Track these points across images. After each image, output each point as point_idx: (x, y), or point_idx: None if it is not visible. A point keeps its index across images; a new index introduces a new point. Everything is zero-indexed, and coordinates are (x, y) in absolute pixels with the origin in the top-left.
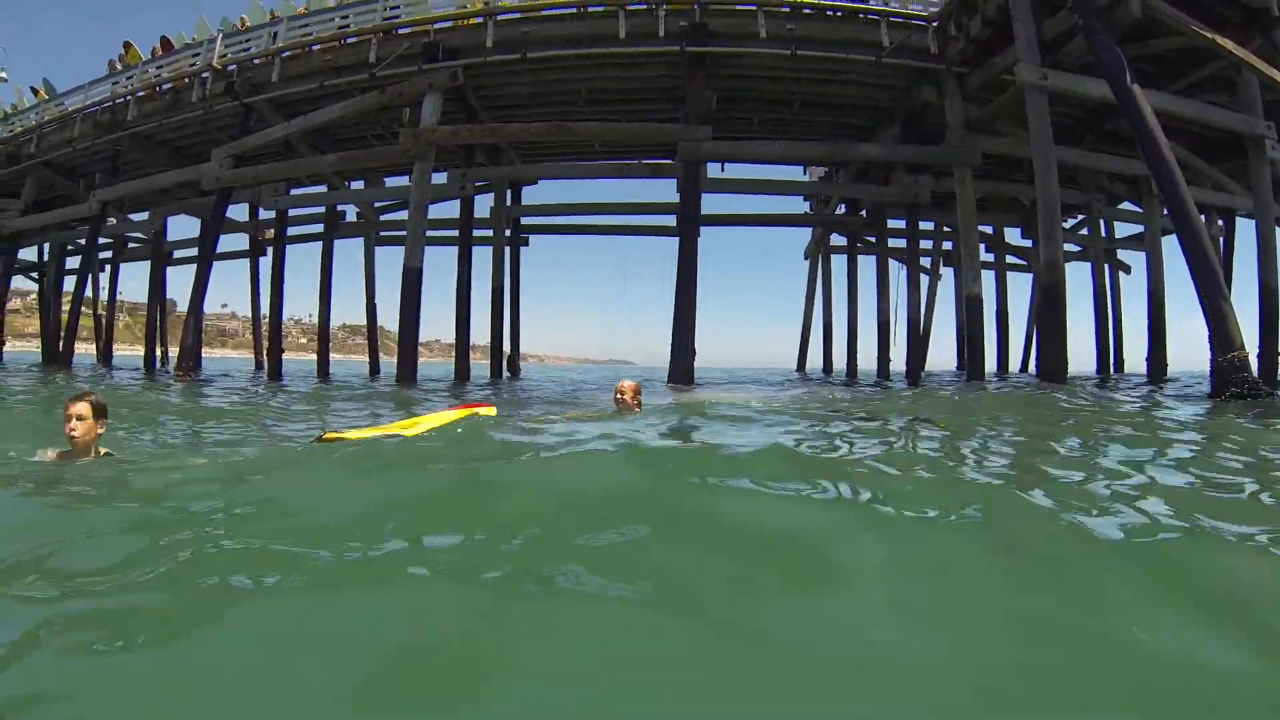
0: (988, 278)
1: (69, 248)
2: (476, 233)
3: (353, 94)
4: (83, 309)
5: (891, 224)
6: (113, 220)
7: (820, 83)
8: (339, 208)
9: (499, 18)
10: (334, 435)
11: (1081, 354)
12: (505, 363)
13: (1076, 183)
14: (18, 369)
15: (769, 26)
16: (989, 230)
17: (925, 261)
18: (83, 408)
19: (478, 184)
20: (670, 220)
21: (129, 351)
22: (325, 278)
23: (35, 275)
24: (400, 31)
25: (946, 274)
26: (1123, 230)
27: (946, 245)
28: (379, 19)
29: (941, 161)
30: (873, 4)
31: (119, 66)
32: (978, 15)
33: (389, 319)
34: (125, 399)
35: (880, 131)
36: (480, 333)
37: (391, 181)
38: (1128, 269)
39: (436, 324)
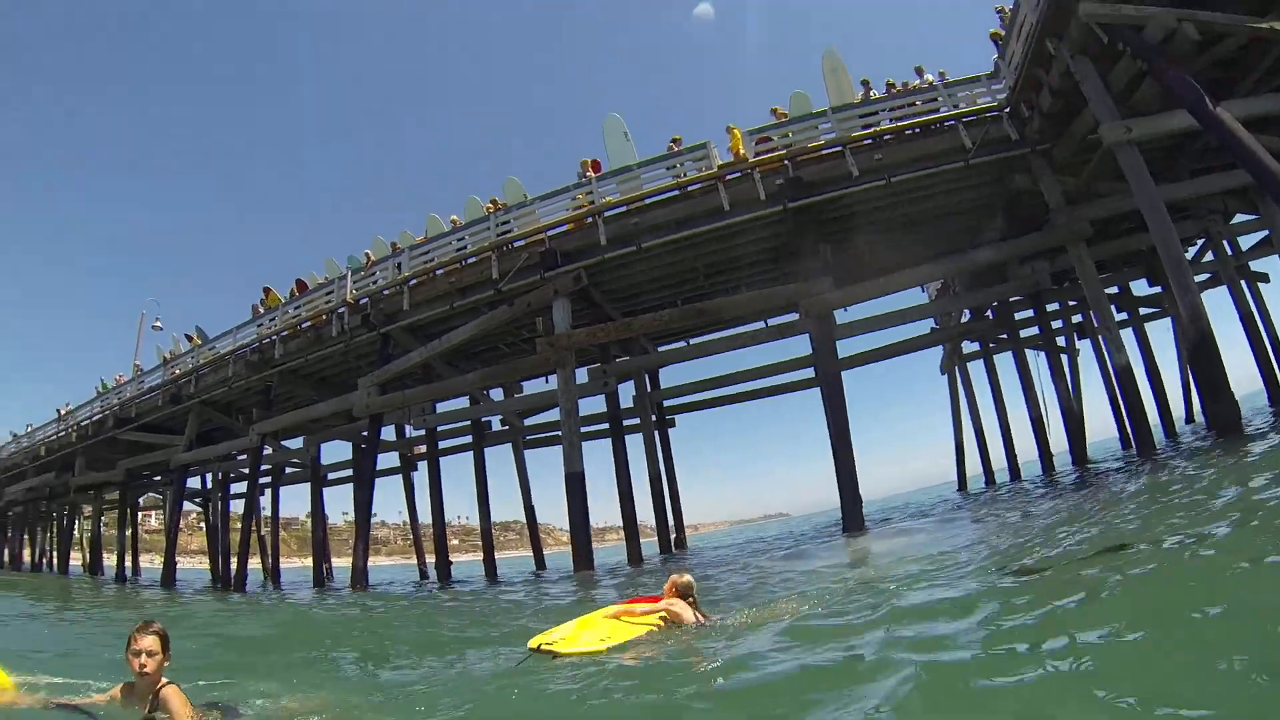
0: (1126, 337)
1: (230, 475)
2: (623, 421)
3: (480, 310)
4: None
5: (1018, 315)
6: (269, 449)
7: (917, 200)
8: (484, 419)
9: (606, 215)
10: (546, 645)
11: (1238, 373)
12: (672, 540)
13: (1187, 211)
14: (193, 590)
15: (858, 162)
16: (1115, 290)
17: (1060, 339)
18: (151, 642)
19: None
20: (803, 374)
21: (288, 564)
22: (481, 485)
23: (199, 500)
24: (516, 245)
25: (1083, 346)
26: (1246, 239)
27: (1076, 318)
28: (493, 236)
29: (1054, 244)
30: (942, 110)
31: (261, 310)
32: (1044, 88)
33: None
34: (339, 622)
35: (984, 228)
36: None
37: (529, 386)
38: (1265, 278)
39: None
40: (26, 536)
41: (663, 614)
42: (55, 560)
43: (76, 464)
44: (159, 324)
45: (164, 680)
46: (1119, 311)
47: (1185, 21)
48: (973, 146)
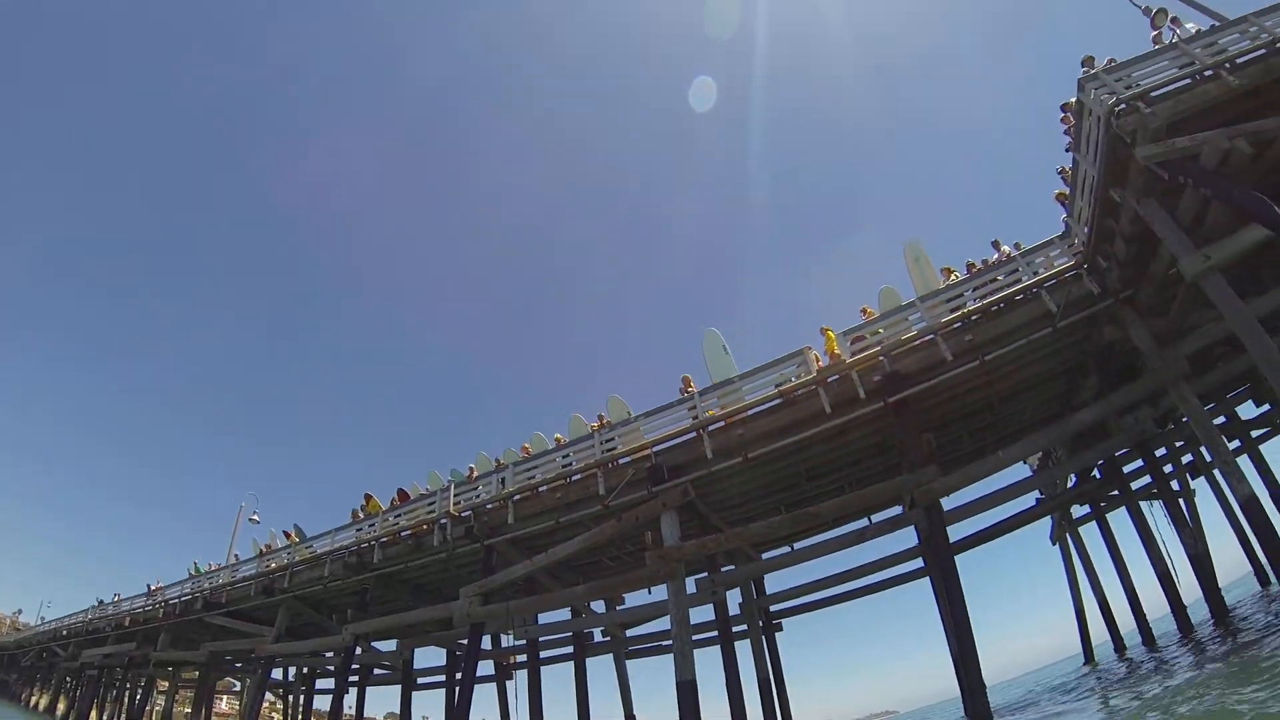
0: (1243, 466)
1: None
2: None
3: (585, 524)
4: None
5: (1126, 468)
6: (359, 649)
7: (1010, 374)
8: (585, 630)
9: (710, 429)
10: None
11: None
12: None
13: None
14: None
15: (950, 346)
16: (1223, 420)
17: (1173, 483)
18: None
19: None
20: (911, 566)
21: None
22: (581, 697)
23: (279, 690)
24: (621, 461)
25: (1198, 485)
26: None
27: (1185, 458)
28: (598, 454)
29: (1153, 389)
30: (1024, 280)
31: (360, 515)
32: (1117, 236)
33: None
34: None
35: (1079, 386)
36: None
37: (630, 597)
38: None
39: None
40: (97, 699)
41: None
42: None
43: (160, 639)
44: (256, 517)
45: None
46: (1230, 440)
47: (1237, 139)
48: (1058, 310)
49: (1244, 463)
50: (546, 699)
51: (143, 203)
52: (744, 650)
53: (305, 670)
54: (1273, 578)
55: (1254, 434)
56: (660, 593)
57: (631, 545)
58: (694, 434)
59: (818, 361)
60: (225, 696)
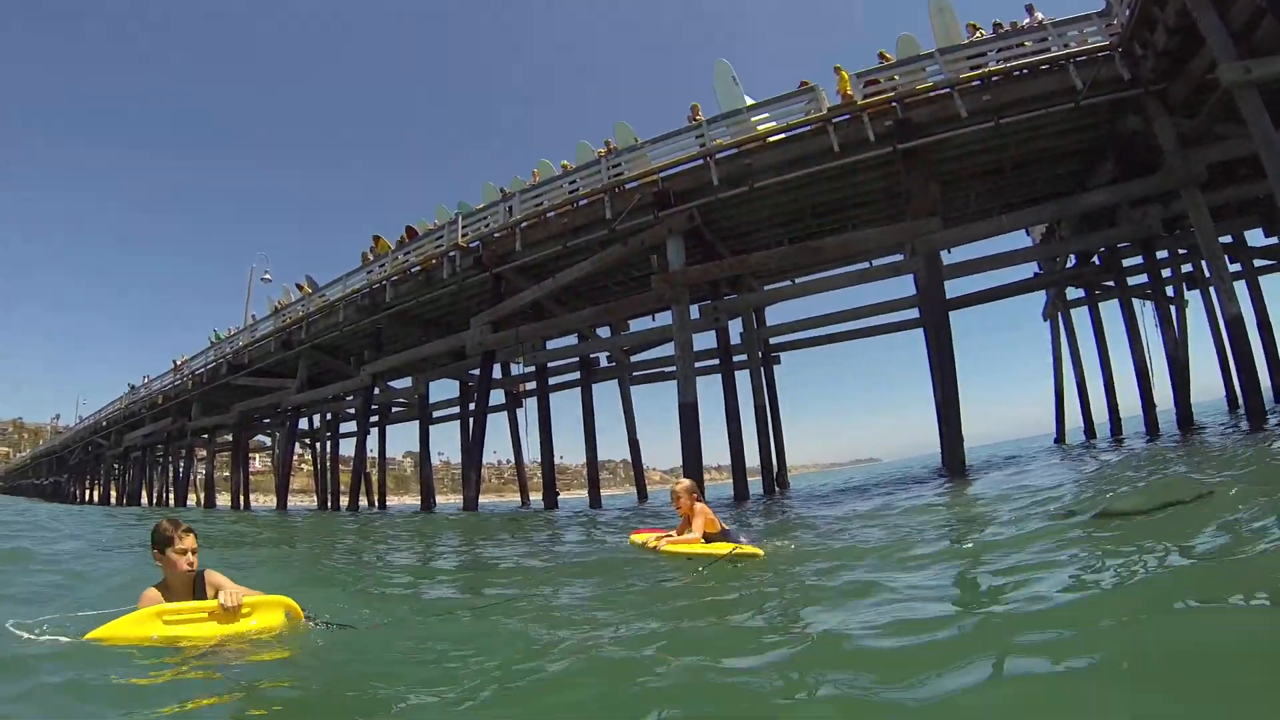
0: (1239, 290)
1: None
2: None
3: (593, 249)
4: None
5: (1127, 262)
6: (377, 389)
7: (1025, 142)
8: (591, 355)
9: (717, 157)
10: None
11: None
12: (775, 479)
13: None
14: (304, 517)
15: (967, 104)
16: (1228, 240)
17: (1168, 289)
18: (194, 540)
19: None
20: (906, 315)
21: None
22: (588, 420)
23: (306, 441)
24: (628, 187)
25: (1191, 297)
26: None
27: (1185, 267)
28: (605, 179)
29: (1167, 188)
30: (1052, 50)
31: (370, 257)
32: (1159, 26)
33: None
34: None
35: (1095, 171)
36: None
37: (635, 324)
38: None
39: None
40: (144, 480)
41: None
42: (172, 500)
43: (193, 409)
44: (268, 276)
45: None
46: (1232, 262)
47: None
48: (1083, 87)
49: (1240, 287)
50: (555, 427)
51: None
52: (743, 382)
53: (329, 417)
54: (1240, 401)
55: (1257, 263)
56: (664, 320)
57: (637, 271)
58: (701, 161)
59: (827, 102)
60: (258, 455)
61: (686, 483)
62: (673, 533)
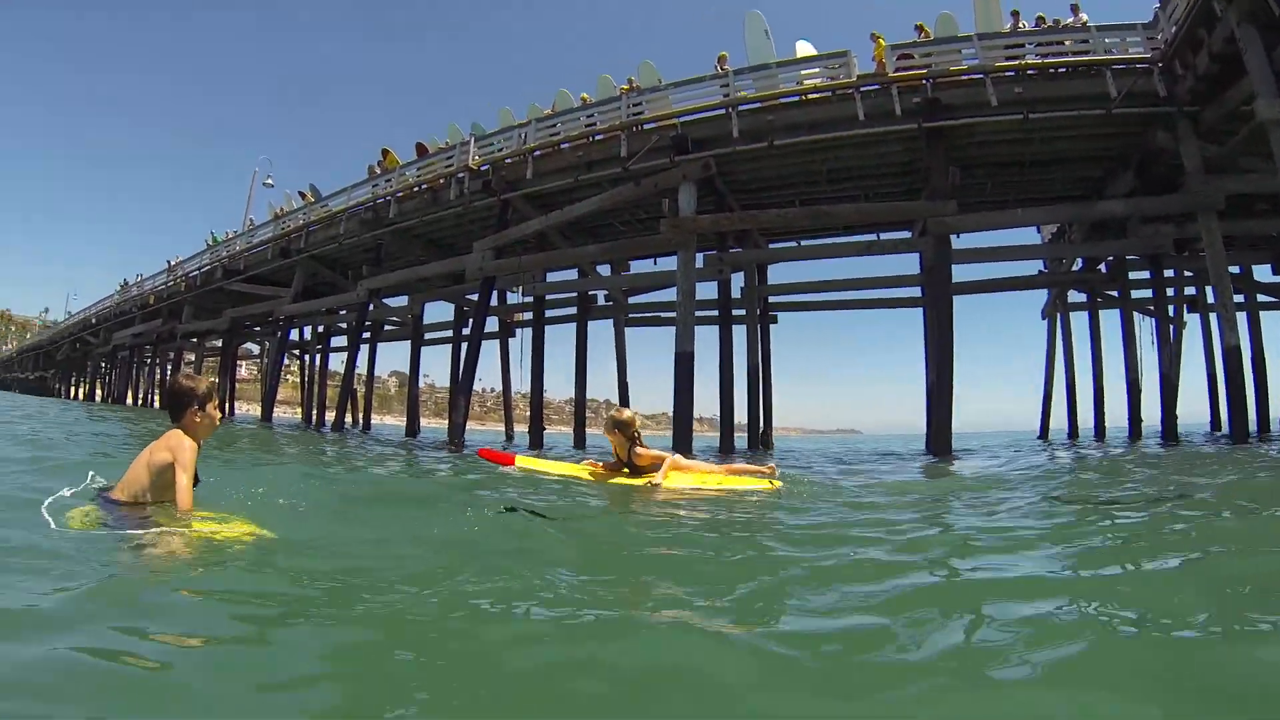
0: (1239, 321)
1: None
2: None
3: (604, 186)
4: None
5: (1133, 275)
6: (372, 306)
7: (1050, 140)
8: (590, 292)
9: (740, 109)
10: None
11: None
12: (760, 437)
13: None
14: (288, 429)
15: (998, 93)
16: (1236, 270)
17: (1170, 308)
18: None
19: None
20: (905, 292)
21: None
22: (580, 358)
23: (296, 352)
24: (646, 127)
25: (1190, 320)
26: None
27: (1189, 290)
28: (624, 116)
29: (1184, 210)
30: (1092, 54)
31: (378, 171)
32: (1204, 50)
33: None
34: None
35: (1114, 180)
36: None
37: (635, 266)
38: None
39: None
40: (130, 380)
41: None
42: (157, 402)
43: (184, 312)
44: (271, 180)
45: None
46: (1236, 293)
47: None
48: (1118, 96)
49: (1241, 320)
50: (546, 361)
51: None
52: (739, 337)
53: (321, 330)
54: (1225, 424)
55: (1260, 298)
56: (665, 264)
57: (645, 213)
58: (723, 111)
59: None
60: (244, 363)
61: (628, 414)
62: (600, 466)
